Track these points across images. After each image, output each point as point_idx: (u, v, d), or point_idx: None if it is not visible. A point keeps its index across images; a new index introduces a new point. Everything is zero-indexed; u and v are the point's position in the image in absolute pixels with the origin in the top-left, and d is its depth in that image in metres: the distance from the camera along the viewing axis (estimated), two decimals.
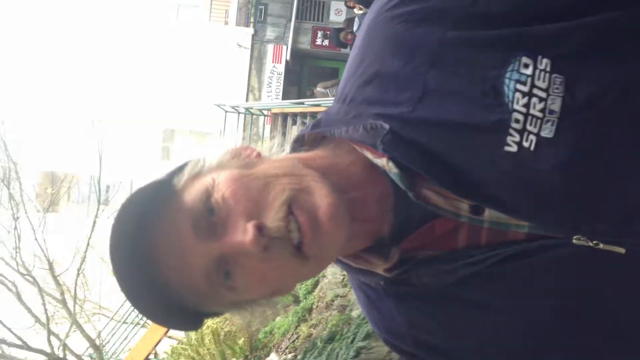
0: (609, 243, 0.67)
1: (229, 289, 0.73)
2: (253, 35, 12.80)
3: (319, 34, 12.63)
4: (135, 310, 0.77)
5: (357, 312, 5.50)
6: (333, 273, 7.03)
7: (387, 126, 0.72)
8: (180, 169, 0.77)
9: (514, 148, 0.67)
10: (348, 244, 0.75)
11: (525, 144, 0.67)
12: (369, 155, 0.74)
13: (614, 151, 0.66)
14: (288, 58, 12.55)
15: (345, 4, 10.40)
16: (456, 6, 0.69)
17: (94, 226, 11.33)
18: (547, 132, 0.66)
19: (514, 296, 0.73)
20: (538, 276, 0.71)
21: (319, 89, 10.27)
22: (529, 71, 0.66)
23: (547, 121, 0.66)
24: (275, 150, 0.83)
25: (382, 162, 0.72)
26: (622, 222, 0.67)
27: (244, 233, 0.69)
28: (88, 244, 11.12)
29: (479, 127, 0.68)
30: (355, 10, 9.88)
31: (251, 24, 12.82)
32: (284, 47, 12.56)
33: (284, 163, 0.77)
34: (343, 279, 6.58)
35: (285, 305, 7.45)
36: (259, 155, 0.80)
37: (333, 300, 6.19)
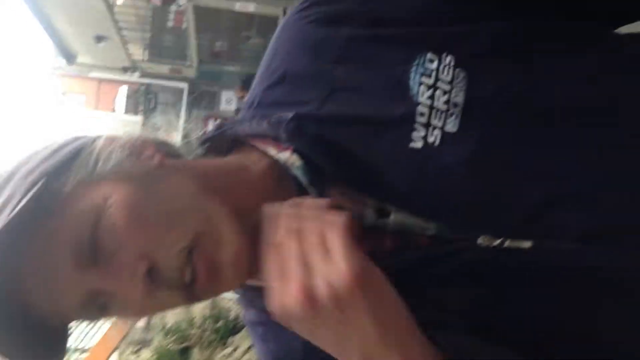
0: (515, 238, 0.66)
1: (105, 316, 0.68)
2: (142, 124, 12.50)
3: (210, 122, 12.62)
4: None
5: None
6: None
7: (290, 115, 0.71)
8: (69, 160, 0.68)
9: (419, 144, 0.67)
10: (251, 270, 0.71)
11: (430, 139, 0.67)
12: (272, 151, 0.72)
13: (516, 148, 0.67)
14: None
15: (236, 95, 10.58)
16: (365, 8, 0.71)
17: None
18: (451, 126, 0.67)
19: (421, 312, 0.67)
20: (445, 284, 0.68)
21: None
22: (433, 65, 0.67)
23: (452, 114, 0.67)
24: (182, 148, 0.79)
25: (285, 155, 0.71)
26: (527, 219, 0.66)
27: (132, 274, 0.63)
28: None
29: (386, 122, 0.68)
30: (245, 100, 10.10)
31: (140, 112, 12.67)
32: (175, 134, 12.36)
33: (189, 187, 0.69)
34: None
35: None
36: (162, 159, 0.72)
37: None
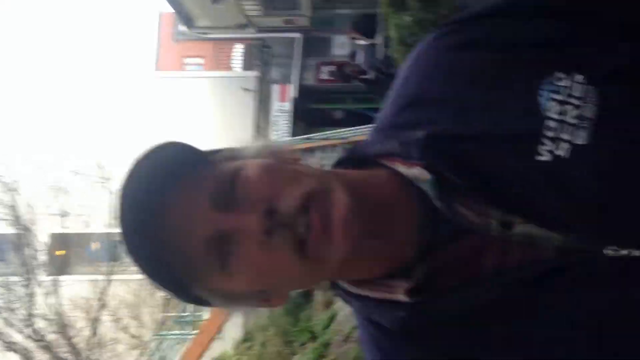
0: None
1: (222, 268, 0.70)
2: (259, 78, 13.09)
3: (323, 68, 12.82)
4: (128, 248, 0.72)
5: None
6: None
7: (422, 132, 0.73)
8: (218, 150, 0.78)
9: (547, 157, 0.68)
10: (363, 264, 0.74)
11: (558, 152, 0.68)
12: (400, 168, 0.75)
13: None
14: (295, 95, 12.71)
15: (348, 37, 10.39)
16: (499, 31, 0.75)
17: (108, 285, 11.29)
18: (581, 139, 0.68)
19: (549, 322, 0.69)
20: (573, 295, 0.68)
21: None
22: (564, 83, 0.70)
23: (582, 127, 0.68)
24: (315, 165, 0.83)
25: (414, 171, 0.73)
26: None
27: (251, 211, 0.69)
28: (102, 304, 11.12)
29: (512, 136, 0.70)
30: (359, 42, 9.85)
31: (256, 67, 13.12)
32: (290, 85, 12.77)
33: (317, 168, 0.78)
34: None
35: (302, 343, 7.75)
36: (298, 159, 0.80)
37: (350, 334, 6.20)
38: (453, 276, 0.73)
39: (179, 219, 0.72)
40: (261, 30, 13.16)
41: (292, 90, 12.61)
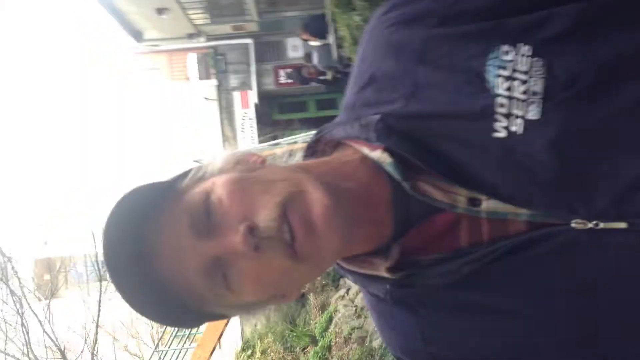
0: (609, 220, 0.66)
1: (227, 290, 0.72)
2: (217, 86, 12.88)
3: (281, 72, 12.73)
4: (131, 307, 0.73)
5: (377, 342, 5.47)
6: (345, 306, 7.02)
7: (378, 116, 0.74)
8: (184, 174, 0.78)
9: (502, 133, 0.68)
10: (351, 247, 0.76)
11: (513, 128, 0.68)
12: (365, 151, 0.76)
13: (602, 127, 0.66)
14: (256, 101, 12.63)
15: (300, 39, 10.49)
16: (440, 5, 0.73)
17: (100, 305, 11.18)
18: (533, 114, 0.67)
19: (522, 294, 0.72)
20: (542, 268, 0.69)
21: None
22: (509, 57, 0.68)
23: (532, 103, 0.67)
24: (286, 159, 0.91)
25: (377, 154, 0.74)
26: (619, 199, 0.66)
27: (235, 234, 0.69)
28: (97, 325, 10.99)
29: (467, 115, 0.70)
30: (311, 43, 9.99)
31: (213, 76, 12.93)
32: (250, 91, 12.64)
33: (285, 168, 0.79)
34: (356, 310, 6.58)
35: (303, 347, 7.53)
36: (263, 161, 0.80)
37: (350, 334, 6.20)
38: (432, 251, 0.75)
39: (168, 260, 0.72)
40: (212, 38, 13.01)
41: (253, 96, 12.55)
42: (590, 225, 0.66)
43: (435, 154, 0.72)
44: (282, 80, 12.71)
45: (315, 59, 9.95)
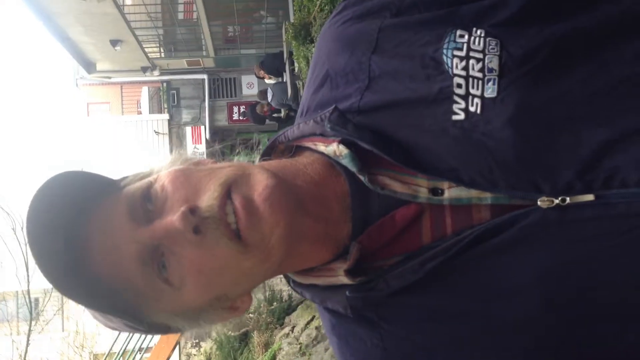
0: (576, 194, 0.64)
1: (166, 284, 0.68)
2: (169, 120, 12.83)
3: (234, 109, 12.78)
4: (63, 292, 0.67)
5: None
6: (289, 343, 6.90)
7: (332, 107, 0.73)
8: (126, 177, 0.76)
9: (461, 116, 0.67)
10: (301, 244, 0.72)
11: (472, 109, 0.67)
12: (321, 147, 0.75)
13: (559, 101, 0.66)
14: (207, 137, 12.59)
15: (256, 76, 10.56)
16: (392, 0, 0.74)
17: (27, 344, 10.78)
18: (490, 91, 0.67)
19: (490, 291, 0.67)
20: (510, 257, 0.66)
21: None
22: (464, 39, 0.69)
23: (489, 80, 0.67)
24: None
25: (333, 147, 0.72)
26: (583, 169, 0.65)
27: (174, 214, 0.66)
28: None
29: (425, 100, 0.69)
30: (267, 81, 10.06)
31: (165, 110, 12.83)
32: (202, 127, 12.63)
33: (234, 162, 0.76)
34: (300, 347, 6.47)
35: None
36: (214, 162, 0.77)
37: None
38: (393, 253, 0.72)
39: (103, 249, 0.68)
40: (166, 72, 13.00)
41: (204, 132, 12.53)
42: (557, 201, 0.64)
43: (392, 142, 0.70)
44: (236, 117, 12.76)
45: (270, 96, 10.00)
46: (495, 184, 0.66)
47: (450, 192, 0.68)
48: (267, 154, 0.83)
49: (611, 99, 0.65)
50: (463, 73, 0.68)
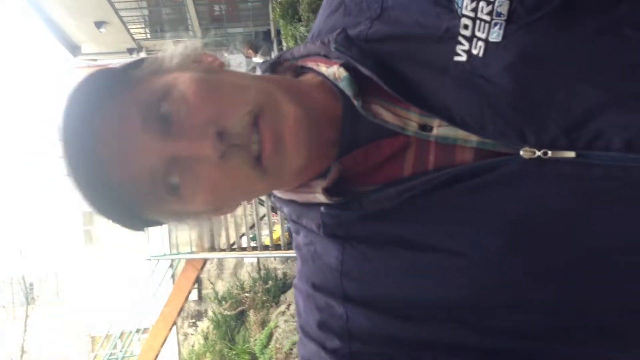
0: (558, 149, 0.65)
1: (174, 196, 0.68)
2: None
3: None
4: (73, 181, 0.68)
5: None
6: (285, 321, 6.95)
7: (340, 30, 0.73)
8: (137, 63, 0.72)
9: (463, 57, 0.68)
10: (306, 169, 0.73)
11: (475, 51, 0.68)
12: (322, 68, 0.75)
13: (562, 55, 0.66)
14: None
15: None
16: None
17: (25, 329, 10.82)
18: (495, 35, 0.67)
19: (462, 228, 0.68)
20: (486, 198, 0.67)
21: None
22: None
23: (495, 24, 0.67)
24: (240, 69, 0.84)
25: (333, 69, 0.73)
26: (571, 127, 0.65)
27: (203, 137, 0.65)
28: (22, 350, 10.61)
29: (431, 37, 0.70)
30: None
31: None
32: None
33: (249, 76, 0.75)
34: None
35: None
36: (222, 65, 0.75)
37: (291, 350, 6.13)
38: (373, 181, 0.73)
39: (112, 149, 0.67)
40: (153, 53, 12.86)
41: None
42: (538, 153, 0.65)
43: (392, 72, 0.70)
44: None
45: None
46: (484, 128, 0.67)
47: (439, 130, 0.69)
48: (273, 69, 0.82)
49: (614, 61, 0.66)
50: (471, 14, 0.68)
